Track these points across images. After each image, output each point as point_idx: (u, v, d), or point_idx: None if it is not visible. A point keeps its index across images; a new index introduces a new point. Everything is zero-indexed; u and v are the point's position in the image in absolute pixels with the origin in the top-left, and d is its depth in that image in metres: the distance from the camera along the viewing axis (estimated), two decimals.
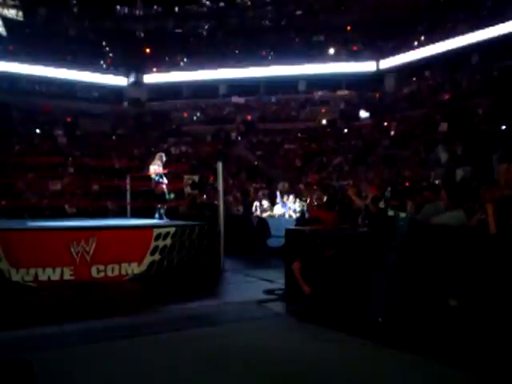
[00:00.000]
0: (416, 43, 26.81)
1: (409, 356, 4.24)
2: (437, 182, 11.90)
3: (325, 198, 8.90)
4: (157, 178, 9.83)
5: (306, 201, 11.80)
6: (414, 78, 26.80)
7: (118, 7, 32.86)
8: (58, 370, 3.87)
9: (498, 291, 4.12)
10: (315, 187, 13.69)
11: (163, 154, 10.23)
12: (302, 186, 16.01)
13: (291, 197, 12.86)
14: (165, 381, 3.78)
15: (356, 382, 3.80)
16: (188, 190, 16.99)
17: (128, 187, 11.87)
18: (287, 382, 3.76)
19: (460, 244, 4.56)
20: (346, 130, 24.83)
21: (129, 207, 11.91)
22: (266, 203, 13.30)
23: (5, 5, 28.49)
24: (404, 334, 4.61)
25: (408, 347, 4.37)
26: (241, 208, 13.66)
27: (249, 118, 28.68)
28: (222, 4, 33.70)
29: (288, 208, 12.52)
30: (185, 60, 31.88)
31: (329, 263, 5.63)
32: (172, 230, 7.81)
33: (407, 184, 13.16)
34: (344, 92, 28.85)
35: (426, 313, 4.70)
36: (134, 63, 30.68)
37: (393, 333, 4.64)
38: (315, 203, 9.03)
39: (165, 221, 9.40)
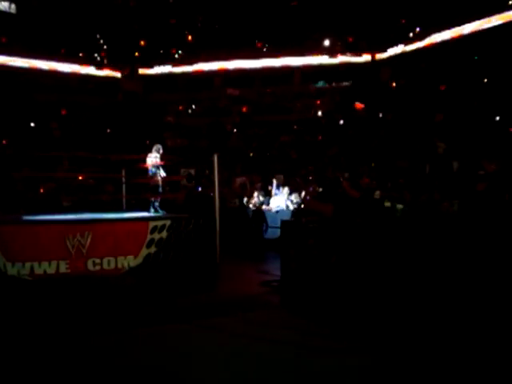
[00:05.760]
0: (411, 35, 26.65)
1: None
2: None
3: (320, 190, 8.92)
4: (153, 170, 9.76)
5: (301, 192, 11.82)
6: (410, 70, 26.64)
7: None
8: None
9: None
10: (311, 179, 13.70)
11: (160, 146, 10.08)
12: (297, 179, 16.00)
13: (287, 189, 12.86)
14: None
15: None
16: (184, 182, 17.00)
17: (123, 180, 11.83)
18: None
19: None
20: (341, 122, 24.79)
21: (124, 200, 11.87)
22: (262, 195, 13.32)
23: None
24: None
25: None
26: (237, 200, 13.66)
27: (244, 110, 28.53)
28: None
29: (284, 200, 12.54)
30: (179, 52, 31.62)
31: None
32: (168, 222, 7.80)
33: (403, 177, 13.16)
34: (339, 84, 28.72)
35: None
36: (129, 56, 30.43)
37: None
38: (311, 195, 9.05)
39: (160, 213, 9.37)
